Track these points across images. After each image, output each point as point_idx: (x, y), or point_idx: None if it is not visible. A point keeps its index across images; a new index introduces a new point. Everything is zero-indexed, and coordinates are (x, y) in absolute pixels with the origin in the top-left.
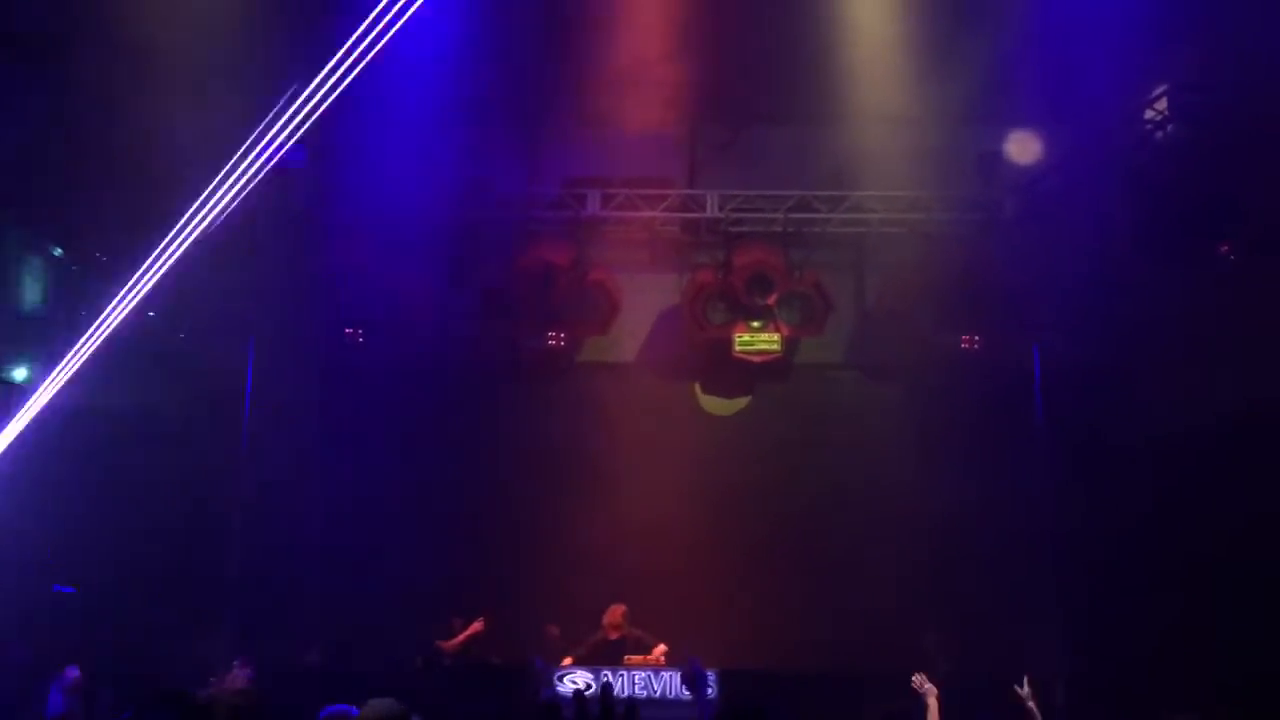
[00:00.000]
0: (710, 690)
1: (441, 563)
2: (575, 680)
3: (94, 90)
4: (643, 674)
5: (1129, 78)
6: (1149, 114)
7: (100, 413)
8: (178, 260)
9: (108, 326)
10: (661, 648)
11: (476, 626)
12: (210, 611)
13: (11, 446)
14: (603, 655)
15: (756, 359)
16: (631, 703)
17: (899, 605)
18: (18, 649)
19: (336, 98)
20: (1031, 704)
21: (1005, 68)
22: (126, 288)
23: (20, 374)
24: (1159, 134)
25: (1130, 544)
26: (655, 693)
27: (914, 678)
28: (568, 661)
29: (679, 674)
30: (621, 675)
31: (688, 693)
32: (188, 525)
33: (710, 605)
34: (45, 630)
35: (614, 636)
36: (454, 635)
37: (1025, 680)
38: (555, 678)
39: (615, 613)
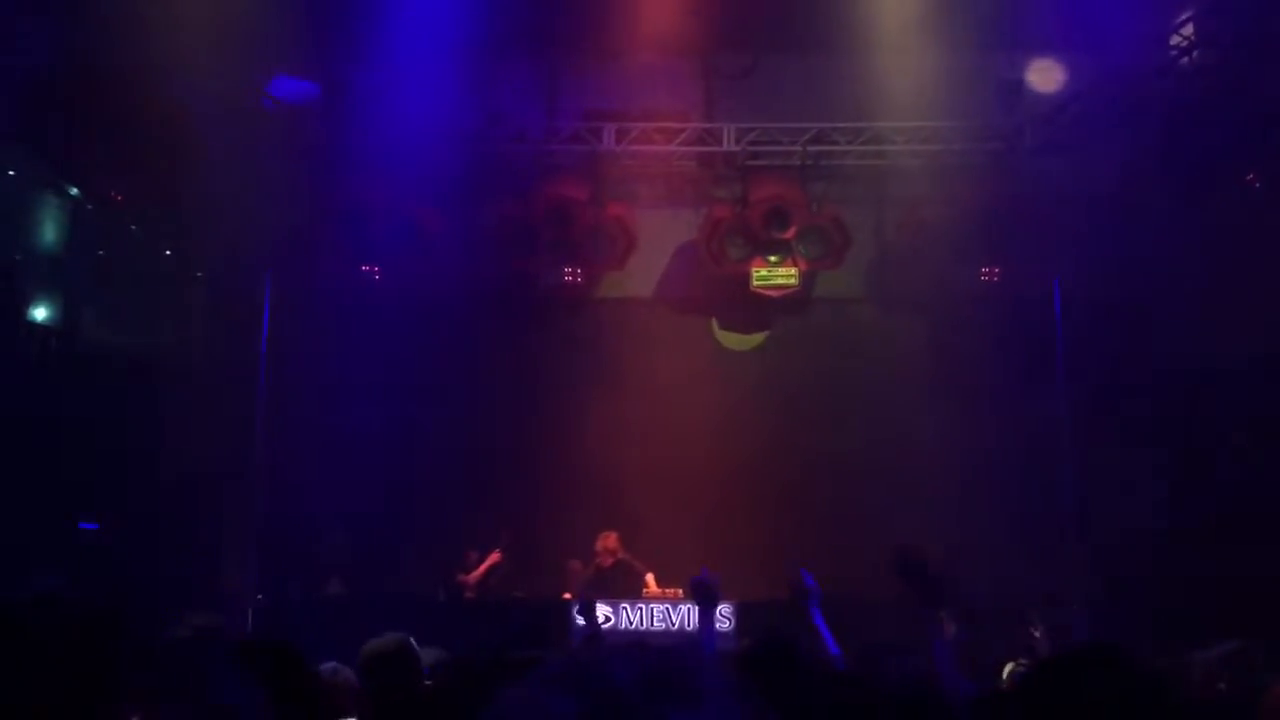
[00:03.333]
0: (723, 618)
1: (459, 497)
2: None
3: (109, 26)
4: (660, 606)
5: (1154, 3)
6: (1174, 40)
7: (118, 350)
8: (195, 197)
9: (125, 265)
10: (649, 576)
11: (494, 558)
12: (232, 547)
13: (32, 384)
14: (600, 584)
15: (774, 293)
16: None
17: (917, 538)
18: (41, 584)
19: (351, 30)
20: (1045, 644)
21: None
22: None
23: (39, 313)
24: (1184, 60)
25: (1150, 479)
26: (673, 625)
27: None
28: (566, 596)
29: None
30: (640, 608)
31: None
32: (208, 461)
33: (726, 538)
34: (67, 565)
35: (608, 563)
36: (471, 568)
37: (1037, 621)
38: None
39: (609, 538)
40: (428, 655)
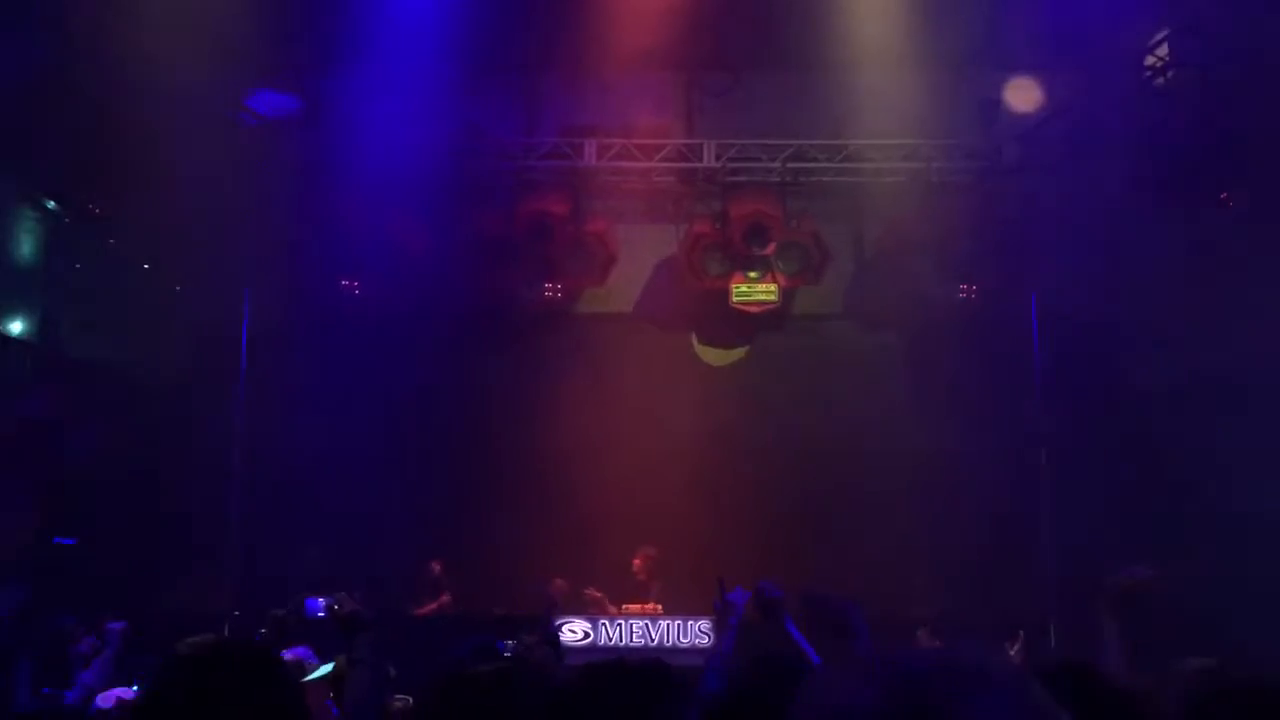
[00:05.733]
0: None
1: (436, 513)
2: (574, 630)
3: (86, 41)
4: (640, 623)
5: (1130, 22)
6: (1150, 59)
7: (97, 364)
8: (172, 212)
9: (103, 279)
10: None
11: (444, 599)
12: (210, 560)
13: (9, 399)
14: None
15: (754, 309)
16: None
17: (895, 552)
18: (19, 597)
19: (331, 45)
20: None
21: (1005, 12)
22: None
23: (15, 327)
24: (1160, 80)
25: (1126, 494)
26: (652, 641)
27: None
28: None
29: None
30: (619, 624)
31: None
32: (187, 475)
33: (707, 553)
34: (47, 578)
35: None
36: (433, 582)
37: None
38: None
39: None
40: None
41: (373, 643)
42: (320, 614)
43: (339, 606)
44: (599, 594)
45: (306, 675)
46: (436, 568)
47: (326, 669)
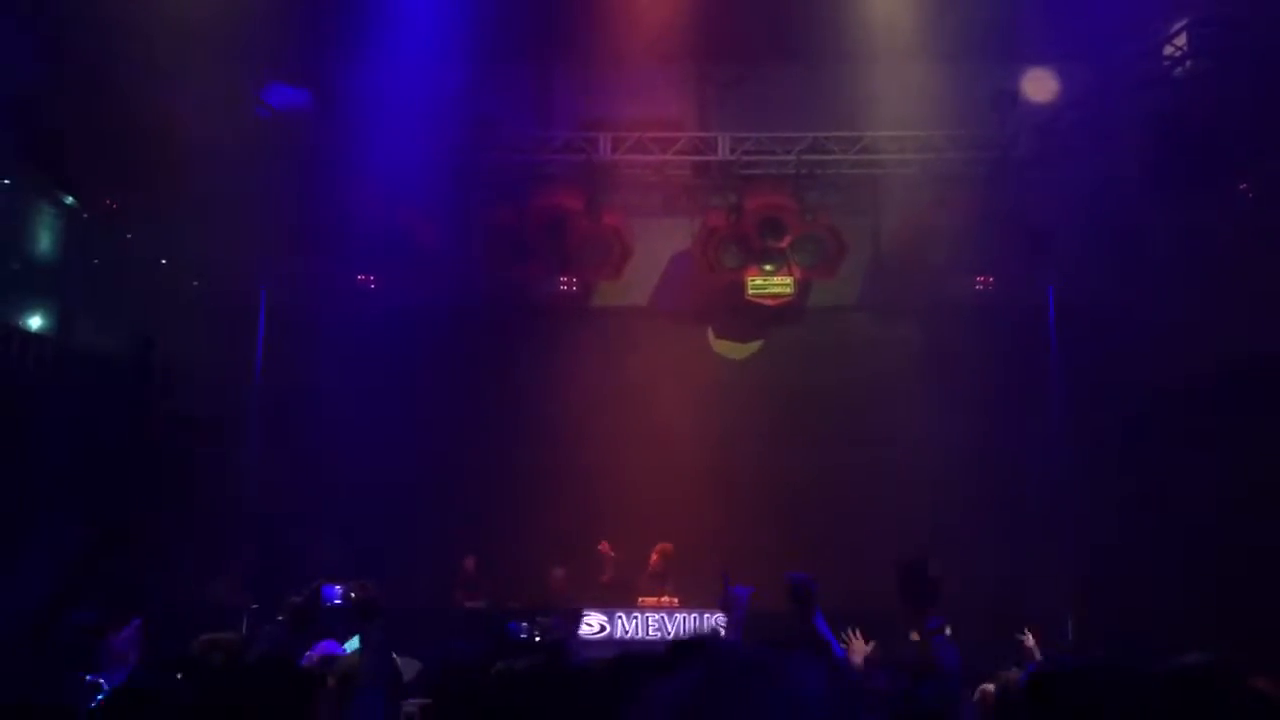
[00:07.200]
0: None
1: (452, 505)
2: (590, 623)
3: (103, 37)
4: (656, 615)
5: (1147, 12)
6: (1168, 49)
7: (113, 359)
8: (188, 207)
9: (120, 274)
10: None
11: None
12: (228, 553)
13: (30, 389)
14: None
15: (769, 302)
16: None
17: (911, 545)
18: (40, 588)
19: (344, 39)
20: (1034, 649)
21: (1020, 1)
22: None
23: (34, 321)
24: (1178, 70)
25: (1142, 485)
26: (668, 634)
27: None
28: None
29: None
30: (635, 616)
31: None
32: (205, 469)
33: (722, 545)
34: (63, 569)
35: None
36: (468, 576)
37: (1027, 630)
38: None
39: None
40: (408, 668)
41: (385, 629)
42: (337, 601)
43: (355, 593)
44: (611, 551)
45: (336, 668)
46: (470, 565)
47: (351, 646)
